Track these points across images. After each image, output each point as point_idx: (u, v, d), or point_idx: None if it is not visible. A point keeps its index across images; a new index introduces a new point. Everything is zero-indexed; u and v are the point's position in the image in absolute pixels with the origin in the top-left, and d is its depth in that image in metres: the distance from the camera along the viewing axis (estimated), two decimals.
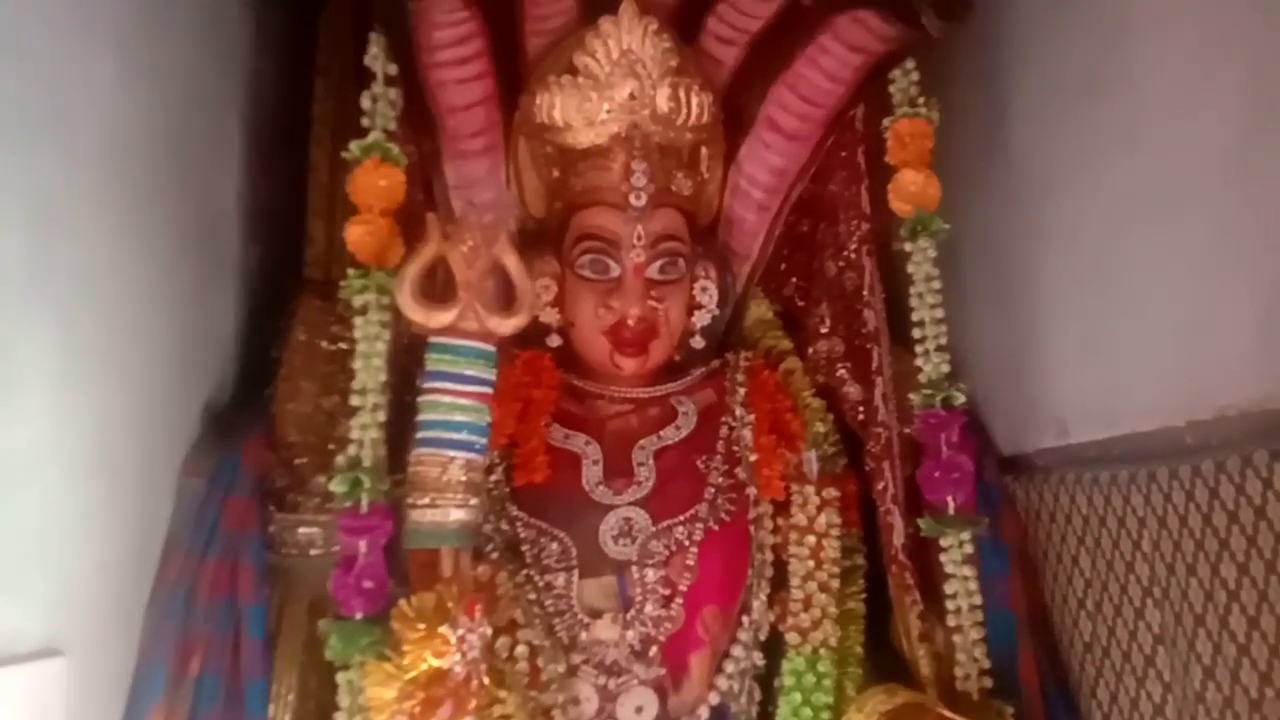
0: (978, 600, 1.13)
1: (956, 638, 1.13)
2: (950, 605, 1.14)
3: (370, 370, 1.10)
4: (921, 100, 1.22)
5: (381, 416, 1.09)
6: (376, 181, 1.12)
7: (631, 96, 1.19)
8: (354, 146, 1.13)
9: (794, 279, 1.42)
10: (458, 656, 0.96)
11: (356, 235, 1.12)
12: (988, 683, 1.11)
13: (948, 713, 1.04)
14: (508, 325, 1.07)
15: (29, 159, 0.87)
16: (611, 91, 1.19)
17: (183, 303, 1.21)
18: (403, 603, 0.99)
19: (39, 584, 0.90)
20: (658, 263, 1.23)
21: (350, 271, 1.11)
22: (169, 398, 1.18)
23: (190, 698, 1.06)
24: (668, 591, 1.16)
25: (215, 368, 1.30)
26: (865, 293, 1.28)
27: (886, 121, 1.23)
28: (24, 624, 0.87)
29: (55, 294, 0.92)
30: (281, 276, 1.43)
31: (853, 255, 1.31)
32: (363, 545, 1.04)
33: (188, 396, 1.23)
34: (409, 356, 1.16)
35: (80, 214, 0.97)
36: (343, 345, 1.26)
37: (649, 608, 1.15)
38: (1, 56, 0.83)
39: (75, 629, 0.94)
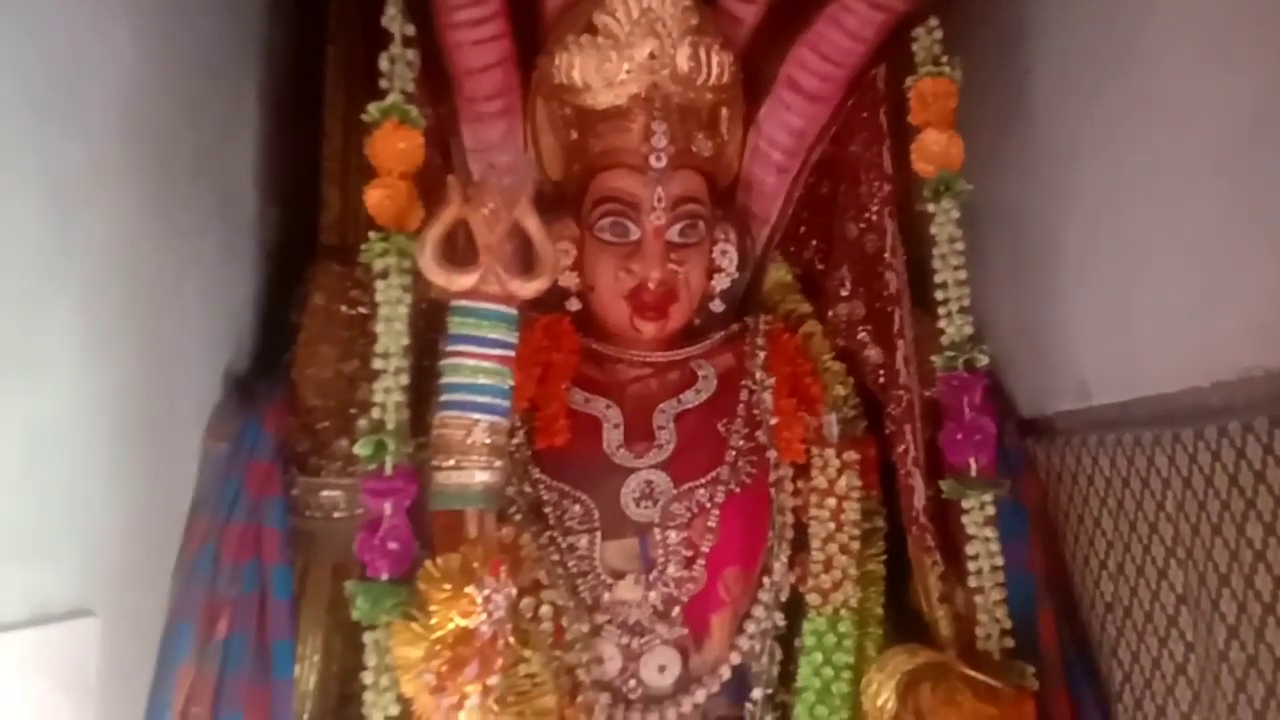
0: (999, 561, 1.13)
1: (978, 599, 1.13)
2: (972, 567, 1.14)
3: (392, 334, 1.10)
4: (945, 59, 1.20)
5: (404, 380, 1.09)
6: (395, 144, 1.12)
7: (651, 56, 1.18)
8: (372, 108, 1.12)
9: (814, 242, 1.41)
10: (484, 616, 0.97)
11: (376, 198, 1.11)
12: (1009, 643, 1.11)
13: (970, 671, 1.05)
14: (529, 288, 1.07)
15: (48, 135, 0.87)
16: (631, 51, 1.18)
17: (202, 271, 1.21)
18: (429, 564, 0.99)
19: (70, 547, 0.91)
20: (678, 225, 1.23)
21: (370, 235, 1.11)
22: (191, 364, 1.18)
23: (219, 657, 1.08)
24: (689, 553, 1.16)
25: (235, 334, 1.30)
26: (887, 255, 1.27)
27: (909, 80, 1.21)
28: (56, 586, 0.88)
29: (77, 267, 0.92)
30: (299, 242, 1.42)
31: (874, 217, 1.30)
32: (387, 507, 1.05)
33: (209, 363, 1.23)
34: (427, 321, 1.16)
35: (99, 187, 0.96)
36: (361, 310, 1.27)
37: (671, 569, 1.16)
38: (17, 33, 0.83)
39: (105, 590, 0.95)
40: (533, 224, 1.09)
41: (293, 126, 1.47)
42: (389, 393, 1.08)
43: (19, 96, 0.83)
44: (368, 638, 1.05)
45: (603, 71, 1.19)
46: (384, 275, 1.11)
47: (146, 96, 1.07)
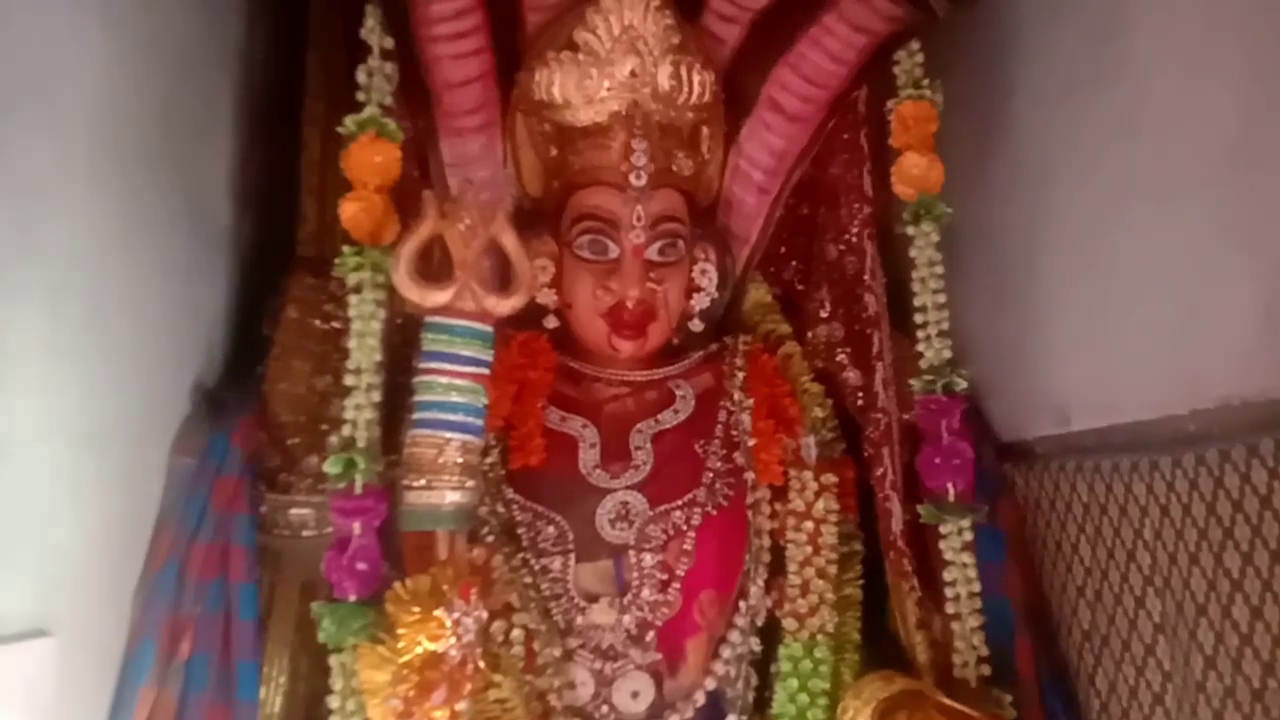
0: (976, 588, 1.12)
1: (955, 625, 1.12)
2: (949, 593, 1.13)
3: (365, 349, 1.08)
4: (926, 82, 1.20)
5: (376, 396, 1.08)
6: (372, 157, 1.10)
7: (633, 74, 1.17)
8: (349, 121, 1.11)
9: (794, 263, 1.41)
10: (453, 640, 0.95)
11: (351, 212, 1.10)
12: (986, 670, 1.11)
13: (945, 700, 1.04)
14: (505, 305, 1.06)
15: (12, 134, 0.85)
16: (612, 68, 1.17)
17: (173, 279, 1.19)
18: (398, 585, 0.97)
19: (26, 561, 0.88)
20: (657, 244, 1.22)
21: (345, 249, 1.09)
22: (159, 375, 1.16)
23: (181, 679, 1.05)
24: (665, 576, 1.15)
25: (205, 345, 1.28)
26: (866, 277, 1.26)
27: (890, 103, 1.21)
28: (11, 603, 0.86)
29: (42, 270, 0.90)
30: (273, 254, 1.40)
31: (854, 239, 1.29)
32: (356, 527, 1.03)
33: (178, 374, 1.21)
34: (402, 336, 1.15)
35: (67, 190, 0.95)
36: (335, 324, 1.25)
37: (645, 592, 1.14)
38: None
39: (64, 608, 0.93)
40: (509, 240, 1.07)
41: (270, 135, 1.45)
42: (360, 409, 1.07)
43: None
44: (334, 660, 1.03)
45: (583, 88, 1.18)
46: (358, 289, 1.09)
47: (118, 98, 1.05)
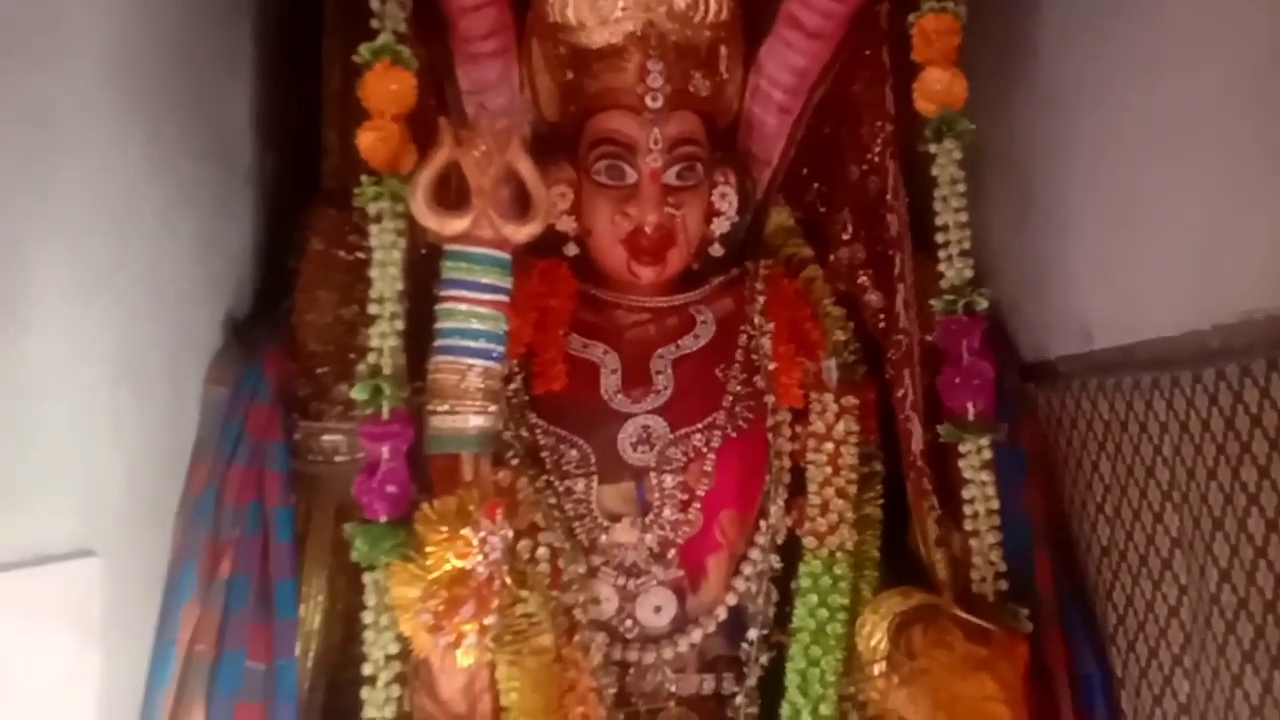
0: (995, 505, 1.13)
1: (973, 541, 1.13)
2: (967, 510, 1.14)
3: (387, 279, 1.09)
4: None
5: (400, 325, 1.09)
6: (387, 86, 1.10)
7: None
8: (364, 49, 1.10)
9: (816, 184, 1.39)
10: (480, 557, 0.98)
11: (369, 141, 1.10)
12: (1003, 586, 1.12)
13: (961, 613, 1.05)
14: (523, 233, 1.06)
15: (27, 71, 0.86)
16: None
17: (199, 215, 1.21)
18: (425, 506, 1.01)
19: (72, 487, 0.92)
20: (675, 168, 1.21)
21: (363, 179, 1.10)
22: (190, 309, 1.19)
23: (222, 597, 1.09)
24: (685, 497, 1.17)
25: (235, 279, 1.30)
26: (888, 197, 1.25)
27: (912, 17, 1.18)
28: (57, 526, 0.90)
29: (62, 210, 0.92)
30: (298, 187, 1.42)
31: (876, 159, 1.28)
32: (385, 451, 1.05)
33: (209, 307, 1.24)
34: (427, 265, 1.16)
35: (86, 128, 0.96)
36: (359, 255, 1.25)
37: (666, 512, 1.17)
38: None
39: (108, 531, 0.97)
40: (525, 167, 1.08)
41: (291, 69, 1.45)
42: (385, 338, 1.08)
43: None
44: (367, 578, 1.06)
45: (597, 9, 1.17)
46: (378, 219, 1.10)
47: (135, 34, 1.06)
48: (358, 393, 1.06)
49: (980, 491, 1.13)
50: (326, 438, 1.23)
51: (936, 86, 1.16)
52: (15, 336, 0.85)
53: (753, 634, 1.19)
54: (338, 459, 1.22)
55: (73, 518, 0.92)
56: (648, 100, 1.18)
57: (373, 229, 1.10)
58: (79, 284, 0.95)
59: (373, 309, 1.09)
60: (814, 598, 1.16)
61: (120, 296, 1.02)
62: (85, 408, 0.96)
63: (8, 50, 0.84)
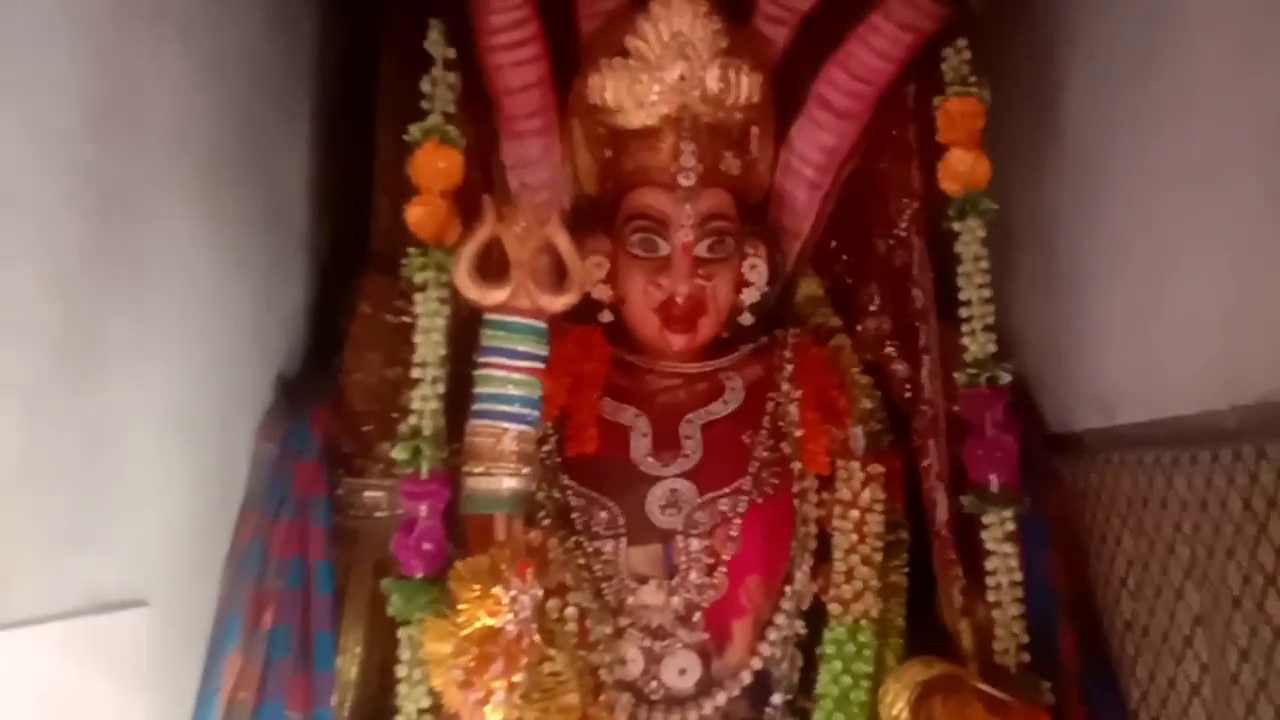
0: (1018, 576, 1.14)
1: (996, 613, 1.14)
2: (990, 581, 1.15)
3: (430, 344, 1.15)
4: (973, 79, 1.21)
5: (441, 388, 1.15)
6: (436, 163, 1.17)
7: (681, 78, 1.21)
8: (414, 129, 1.18)
9: (844, 256, 1.43)
10: (510, 616, 1.01)
11: (417, 215, 1.17)
12: (1025, 658, 1.13)
13: (981, 685, 1.06)
14: (558, 303, 1.11)
15: (106, 149, 0.93)
16: (661, 73, 1.21)
17: (255, 278, 1.28)
18: (459, 564, 1.05)
19: (125, 539, 0.98)
20: (706, 241, 1.26)
21: (410, 250, 1.16)
22: (243, 368, 1.25)
23: (264, 647, 1.14)
24: (711, 561, 1.20)
25: (286, 339, 1.37)
26: (914, 271, 1.28)
27: (937, 100, 1.22)
28: (110, 576, 0.95)
29: (134, 274, 0.99)
30: (350, 251, 1.48)
31: (902, 234, 1.32)
32: (423, 509, 1.10)
33: (261, 367, 1.30)
34: (470, 330, 1.21)
35: (154, 198, 1.03)
36: (406, 318, 1.31)
37: (693, 575, 1.19)
38: (74, 51, 0.89)
39: (158, 582, 1.02)
40: (562, 241, 1.13)
41: (345, 138, 1.53)
42: (426, 400, 1.14)
43: (74, 116, 0.90)
44: (402, 633, 1.11)
45: (634, 93, 1.23)
46: (423, 288, 1.16)
47: (198, 112, 1.14)
48: (399, 452, 1.11)
49: (1003, 563, 1.15)
50: (368, 494, 1.28)
51: (961, 167, 1.21)
52: (84, 394, 0.91)
53: (777, 699, 1.20)
54: (378, 515, 1.27)
55: (127, 568, 0.98)
56: (680, 178, 1.23)
57: (418, 297, 1.16)
58: (143, 345, 1.01)
59: (415, 372, 1.15)
60: (838, 664, 1.17)
61: (179, 357, 1.08)
62: (143, 462, 1.01)
63: (90, 128, 0.91)
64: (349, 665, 1.21)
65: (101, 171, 0.93)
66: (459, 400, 1.14)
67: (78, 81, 0.89)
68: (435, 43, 1.20)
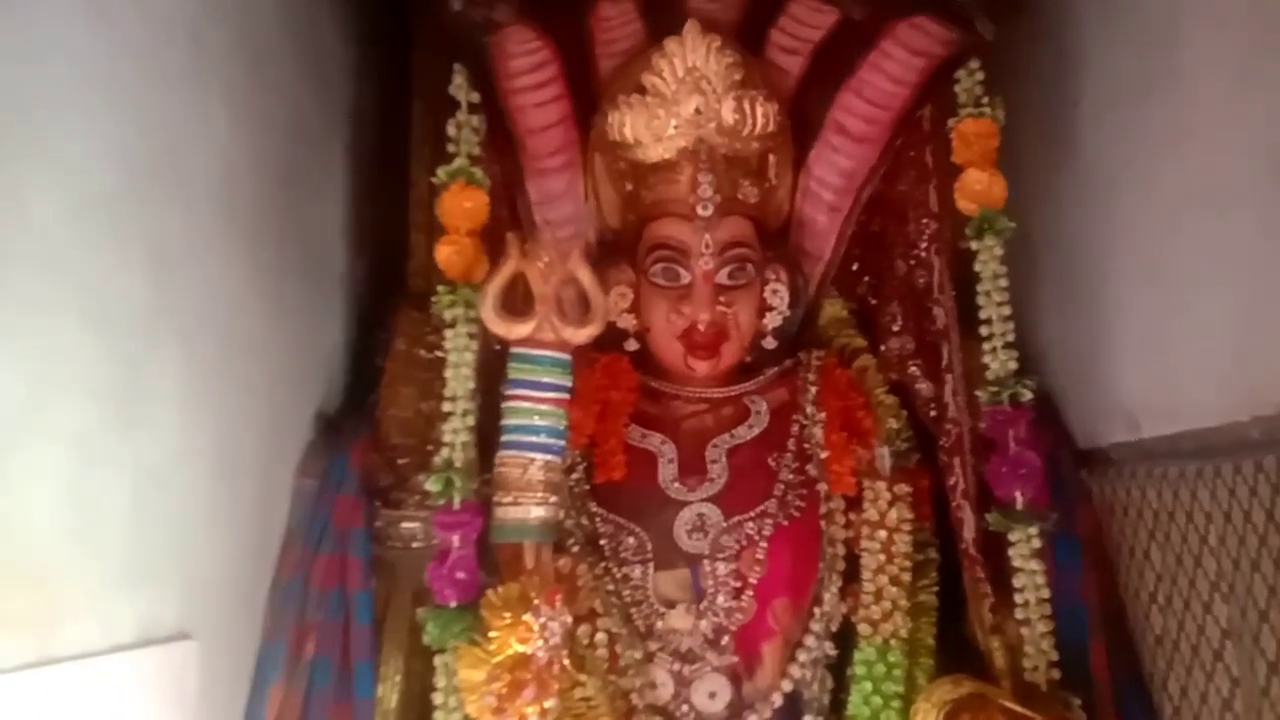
0: (1045, 593, 1.15)
1: (1025, 630, 1.14)
2: (1018, 599, 1.15)
3: (459, 378, 1.19)
4: (986, 100, 1.23)
5: (471, 421, 1.18)
6: (462, 204, 1.21)
7: (697, 111, 1.24)
8: (441, 172, 1.22)
9: (866, 278, 1.45)
10: (540, 642, 1.04)
11: (445, 255, 1.21)
12: (1055, 674, 1.13)
13: (1008, 703, 1.06)
14: (581, 335, 1.14)
15: (149, 205, 0.99)
16: (678, 108, 1.24)
17: (294, 320, 1.33)
18: (490, 592, 1.08)
19: (172, 575, 1.02)
20: (726, 269, 1.28)
21: (439, 288, 1.20)
22: (284, 407, 1.30)
23: (306, 677, 1.18)
24: (738, 584, 1.21)
25: (325, 377, 1.42)
26: (935, 291, 1.30)
27: (951, 122, 1.24)
28: (159, 611, 0.99)
29: (179, 323, 1.04)
30: (386, 289, 1.53)
31: (922, 254, 1.33)
32: (455, 539, 1.13)
33: (301, 404, 1.35)
34: (501, 363, 1.25)
35: (197, 250, 1.08)
36: (439, 354, 1.35)
37: (720, 599, 1.21)
38: (122, 113, 0.95)
39: (204, 615, 1.06)
40: (585, 275, 1.16)
41: (381, 180, 1.59)
42: (456, 433, 1.18)
43: (123, 176, 0.95)
44: (438, 660, 1.14)
45: (652, 128, 1.26)
46: (452, 324, 1.20)
47: (240, 167, 1.19)
48: (432, 484, 1.15)
49: (1030, 580, 1.15)
50: (405, 525, 1.31)
51: (977, 187, 1.22)
52: (133, 437, 0.96)
53: None
54: (415, 545, 1.30)
55: (173, 603, 1.02)
56: (699, 209, 1.25)
57: (447, 333, 1.20)
58: (188, 389, 1.06)
59: (446, 406, 1.18)
60: (868, 685, 1.18)
61: (222, 399, 1.13)
62: (189, 502, 1.06)
63: (131, 188, 0.97)
64: (389, 693, 1.24)
65: (145, 228, 0.99)
66: (491, 432, 1.18)
67: (120, 142, 0.95)
68: (459, 87, 1.25)
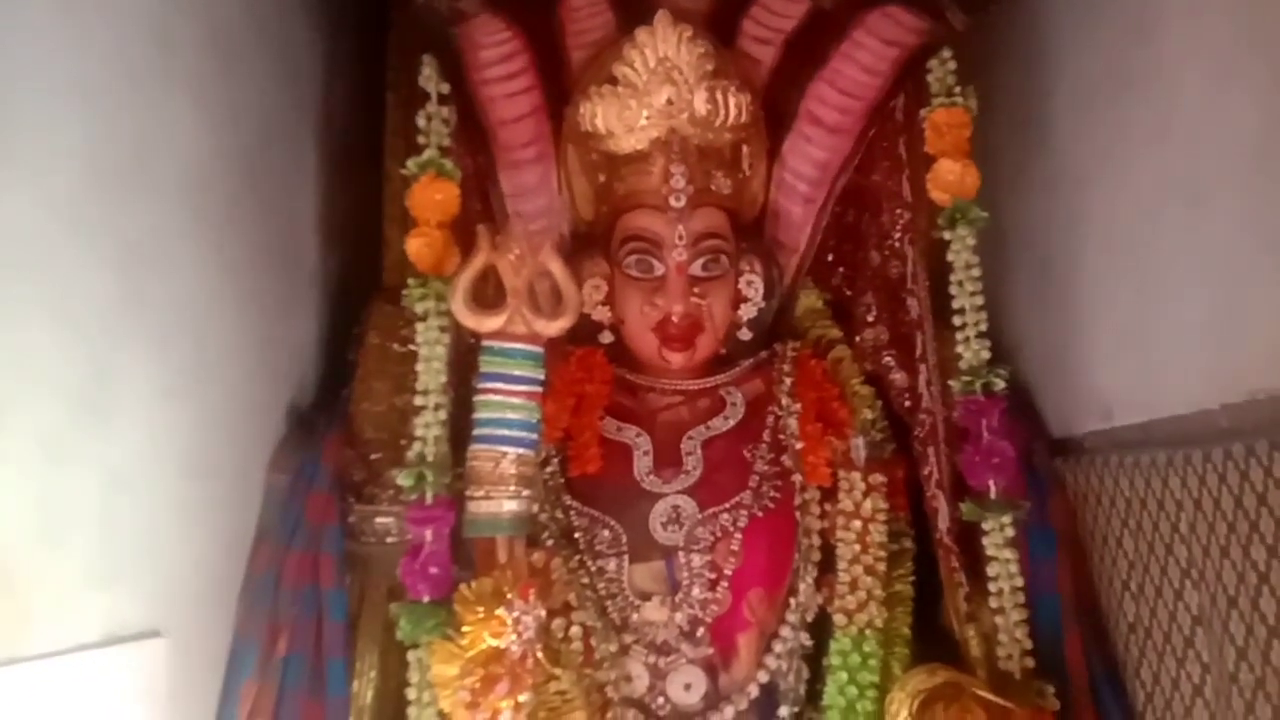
0: (1019, 582, 1.15)
1: (999, 619, 1.15)
2: (992, 588, 1.16)
3: (431, 372, 1.18)
4: (958, 90, 1.23)
5: (443, 415, 1.17)
6: (433, 196, 1.20)
7: (669, 102, 1.23)
8: (411, 163, 1.21)
9: (841, 269, 1.44)
10: (513, 637, 1.04)
11: (416, 247, 1.20)
12: (1029, 663, 1.13)
13: (982, 691, 1.07)
14: (553, 327, 1.13)
15: (118, 203, 0.97)
16: (649, 98, 1.23)
17: (267, 317, 1.31)
18: (463, 587, 1.07)
19: (142, 572, 1.01)
20: (700, 260, 1.28)
21: (410, 281, 1.19)
22: (256, 403, 1.29)
23: (279, 674, 1.16)
24: (713, 575, 1.21)
25: (297, 372, 1.40)
26: (909, 281, 1.30)
27: (924, 111, 1.24)
28: (129, 609, 0.98)
29: (148, 321, 1.03)
30: (360, 283, 1.52)
31: (896, 244, 1.33)
32: (428, 534, 1.12)
33: (274, 400, 1.34)
34: (472, 357, 1.24)
35: (166, 247, 1.07)
36: (413, 347, 1.34)
37: (695, 591, 1.20)
38: (88, 110, 0.93)
39: (175, 613, 1.05)
40: (557, 268, 1.15)
41: (354, 174, 1.57)
42: (429, 427, 1.17)
43: (90, 174, 0.94)
44: (411, 656, 1.13)
45: (623, 118, 1.25)
46: (424, 317, 1.19)
47: (209, 163, 1.18)
48: (404, 479, 1.14)
49: (1004, 569, 1.16)
50: (379, 520, 1.30)
51: (949, 177, 1.22)
52: (102, 435, 0.95)
53: (784, 711, 1.21)
54: (389, 540, 1.29)
55: (143, 601, 1.01)
56: (671, 200, 1.25)
57: (418, 326, 1.19)
58: (158, 387, 1.05)
59: (418, 400, 1.17)
60: (844, 675, 1.18)
61: (193, 396, 1.12)
62: (159, 498, 1.05)
63: (99, 189, 0.95)
64: (364, 689, 1.23)
65: (113, 226, 0.97)
66: (464, 426, 1.17)
67: (86, 144, 0.93)
68: (429, 79, 1.24)
